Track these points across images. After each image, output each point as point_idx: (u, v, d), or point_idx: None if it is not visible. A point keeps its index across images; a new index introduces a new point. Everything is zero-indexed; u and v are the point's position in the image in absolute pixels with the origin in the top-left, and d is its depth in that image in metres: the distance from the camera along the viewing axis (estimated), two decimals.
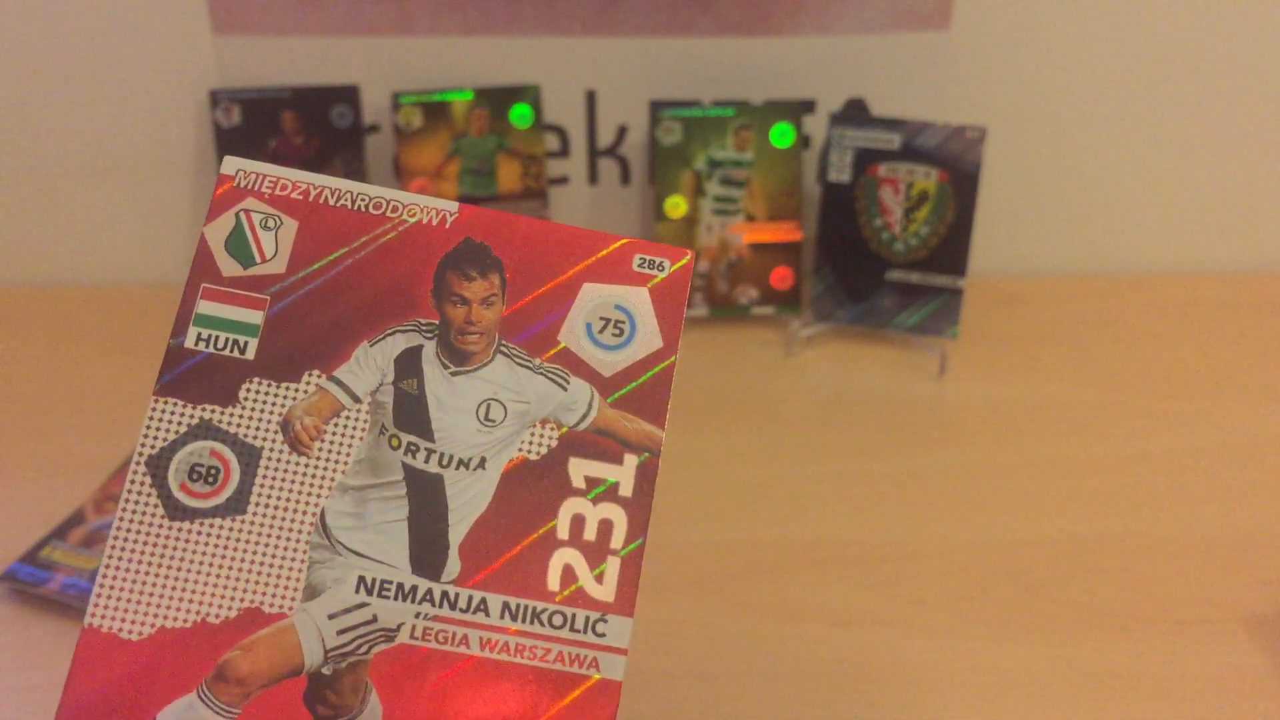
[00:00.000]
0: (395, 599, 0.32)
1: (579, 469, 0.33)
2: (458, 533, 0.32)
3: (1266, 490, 0.80)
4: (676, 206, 0.93)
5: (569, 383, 0.34)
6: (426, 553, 0.32)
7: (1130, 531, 0.77)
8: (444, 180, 0.93)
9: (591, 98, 0.96)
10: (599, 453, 0.34)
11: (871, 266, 0.92)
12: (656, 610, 0.70)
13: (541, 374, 0.34)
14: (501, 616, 0.31)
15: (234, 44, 0.93)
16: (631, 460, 0.34)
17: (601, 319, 0.35)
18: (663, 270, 0.36)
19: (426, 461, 0.33)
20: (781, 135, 0.93)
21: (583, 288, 0.35)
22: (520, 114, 0.93)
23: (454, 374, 0.34)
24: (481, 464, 0.33)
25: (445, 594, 0.32)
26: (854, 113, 0.95)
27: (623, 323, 0.35)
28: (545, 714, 0.31)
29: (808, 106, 0.96)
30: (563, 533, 0.33)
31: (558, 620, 0.32)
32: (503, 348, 0.34)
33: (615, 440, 0.34)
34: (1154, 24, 0.94)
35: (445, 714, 0.31)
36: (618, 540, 0.33)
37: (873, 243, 0.92)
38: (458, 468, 0.33)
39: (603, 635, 0.32)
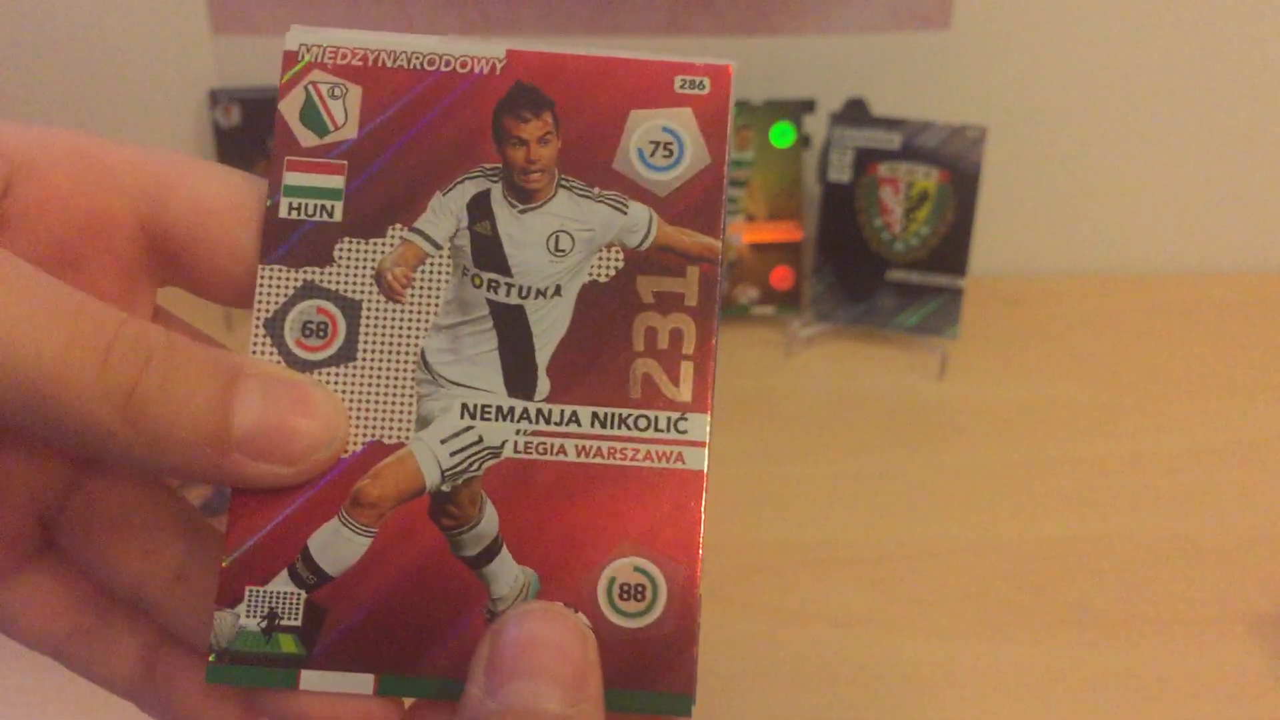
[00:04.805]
0: (496, 420, 0.35)
1: (646, 285, 0.36)
2: (544, 356, 0.35)
3: (1266, 490, 0.80)
4: None
5: (628, 207, 0.36)
6: (518, 377, 0.35)
7: (1130, 531, 0.77)
8: None
9: None
10: (663, 268, 0.36)
11: (871, 266, 0.92)
12: None
13: (602, 202, 0.36)
14: (592, 425, 0.35)
15: (234, 44, 0.93)
16: (693, 271, 0.36)
17: (651, 143, 0.37)
18: (703, 88, 0.39)
19: (507, 295, 0.36)
20: (781, 135, 0.93)
21: (630, 115, 0.37)
22: None
23: (522, 211, 0.36)
24: (557, 291, 0.36)
25: (540, 411, 0.35)
26: (854, 113, 0.95)
27: (671, 144, 0.37)
28: (640, 503, 0.34)
29: (808, 106, 0.96)
30: (638, 345, 0.35)
31: (642, 423, 0.35)
32: (563, 182, 0.36)
33: (676, 254, 0.36)
34: (1155, 23, 0.94)
35: (554, 511, 0.34)
36: (689, 346, 0.36)
37: (873, 243, 0.92)
38: (536, 297, 0.36)
39: (684, 432, 0.35)
